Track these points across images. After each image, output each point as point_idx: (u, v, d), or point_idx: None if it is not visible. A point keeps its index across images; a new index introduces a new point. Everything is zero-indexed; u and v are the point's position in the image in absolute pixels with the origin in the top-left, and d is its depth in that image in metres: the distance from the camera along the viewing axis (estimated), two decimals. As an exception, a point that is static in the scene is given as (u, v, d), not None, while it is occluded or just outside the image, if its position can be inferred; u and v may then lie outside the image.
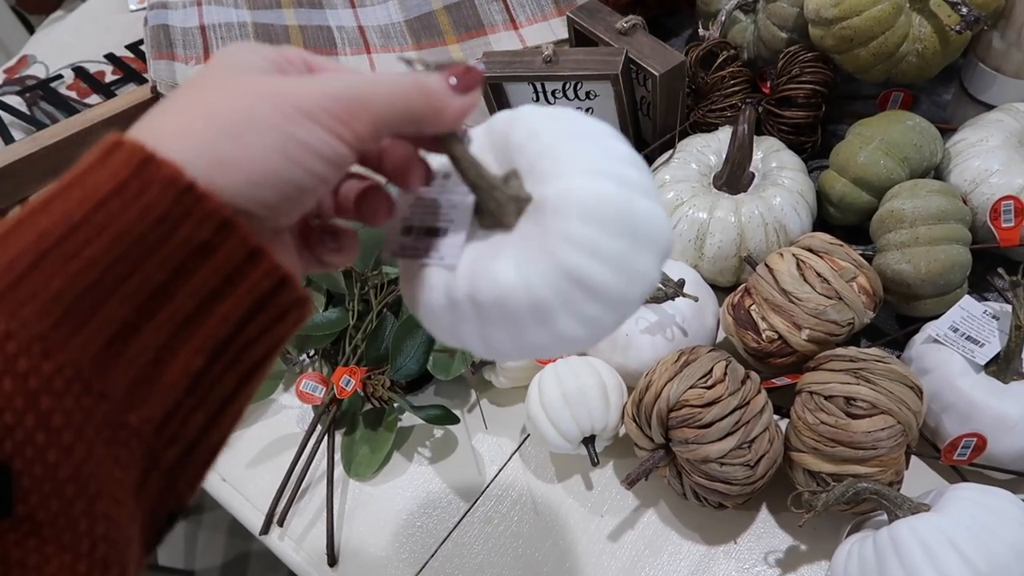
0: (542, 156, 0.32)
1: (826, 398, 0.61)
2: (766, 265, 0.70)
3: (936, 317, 0.71)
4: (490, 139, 0.34)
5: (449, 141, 0.32)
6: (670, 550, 0.69)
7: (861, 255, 0.76)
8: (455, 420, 0.77)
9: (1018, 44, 0.81)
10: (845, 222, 0.84)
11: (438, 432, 0.81)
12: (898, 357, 0.74)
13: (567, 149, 0.32)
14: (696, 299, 0.71)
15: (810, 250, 0.70)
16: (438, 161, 0.35)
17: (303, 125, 0.26)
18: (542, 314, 0.30)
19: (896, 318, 0.80)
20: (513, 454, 0.78)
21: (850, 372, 0.61)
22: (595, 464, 0.71)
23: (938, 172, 0.83)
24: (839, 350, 0.64)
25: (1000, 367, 0.65)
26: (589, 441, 0.71)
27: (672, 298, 0.70)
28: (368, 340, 0.80)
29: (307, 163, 0.26)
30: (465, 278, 0.31)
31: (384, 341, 0.80)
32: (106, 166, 0.23)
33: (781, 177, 0.81)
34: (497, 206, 0.32)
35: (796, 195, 0.80)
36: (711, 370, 0.63)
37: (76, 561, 0.22)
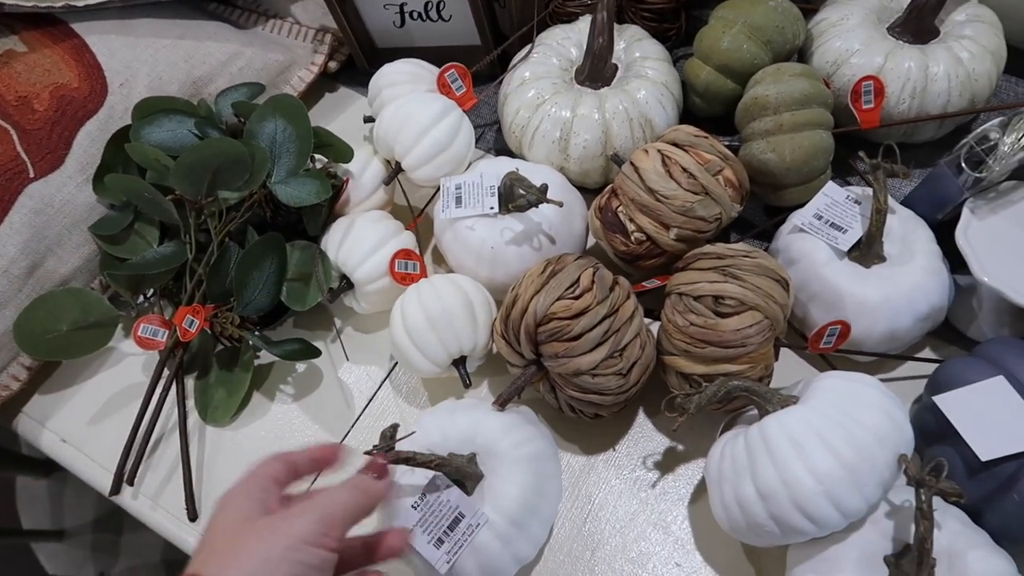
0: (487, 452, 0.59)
1: (695, 298, 0.59)
2: (631, 163, 0.67)
3: (802, 206, 0.70)
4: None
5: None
6: (551, 464, 0.67)
7: (728, 146, 0.74)
8: (316, 353, 0.72)
9: (875, -85, 0.78)
10: (711, 113, 0.81)
11: (300, 367, 0.75)
12: (766, 249, 0.73)
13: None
14: (561, 204, 0.67)
15: (675, 144, 0.67)
16: (421, 477, 0.58)
17: (306, 551, 0.43)
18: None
19: (764, 209, 0.79)
20: (382, 383, 0.73)
21: (718, 270, 0.59)
22: (467, 386, 0.67)
23: (801, 54, 0.81)
24: (707, 248, 0.62)
25: (862, 252, 0.65)
26: (460, 363, 0.67)
27: (536, 204, 0.66)
28: (210, 274, 0.72)
29: (310, 569, 0.43)
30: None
31: (229, 274, 0.73)
32: None
33: (645, 68, 0.77)
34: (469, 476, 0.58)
35: (661, 87, 0.76)
36: (578, 279, 0.60)
37: None
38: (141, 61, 0.81)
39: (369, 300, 0.74)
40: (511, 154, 0.81)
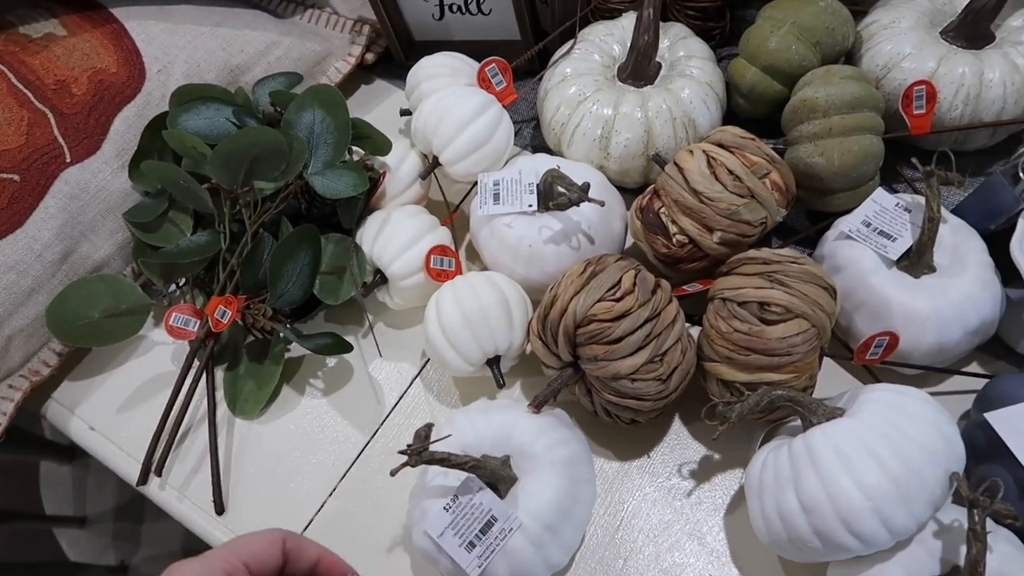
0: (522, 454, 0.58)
1: (739, 304, 0.58)
2: (675, 164, 0.65)
3: (848, 212, 0.68)
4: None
5: None
6: (583, 469, 0.65)
7: (774, 148, 0.72)
8: (348, 348, 0.71)
9: (931, -84, 0.76)
10: (756, 114, 0.79)
11: (331, 362, 0.74)
12: (810, 256, 0.71)
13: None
14: (603, 203, 0.65)
15: (721, 145, 0.65)
16: (453, 479, 0.57)
17: None
18: None
19: (807, 214, 0.77)
20: (413, 380, 0.72)
21: (763, 276, 0.58)
22: (501, 386, 0.66)
23: (850, 57, 0.79)
24: (752, 252, 0.60)
25: (912, 261, 0.63)
26: (494, 362, 0.66)
27: (576, 203, 0.65)
28: (244, 265, 0.71)
29: None
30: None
31: (262, 265, 0.72)
32: None
33: (689, 67, 0.75)
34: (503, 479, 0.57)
35: (705, 86, 0.74)
36: (619, 281, 0.58)
37: None
38: (179, 47, 0.81)
39: (403, 296, 0.73)
40: (549, 151, 0.80)
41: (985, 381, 0.61)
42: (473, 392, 0.71)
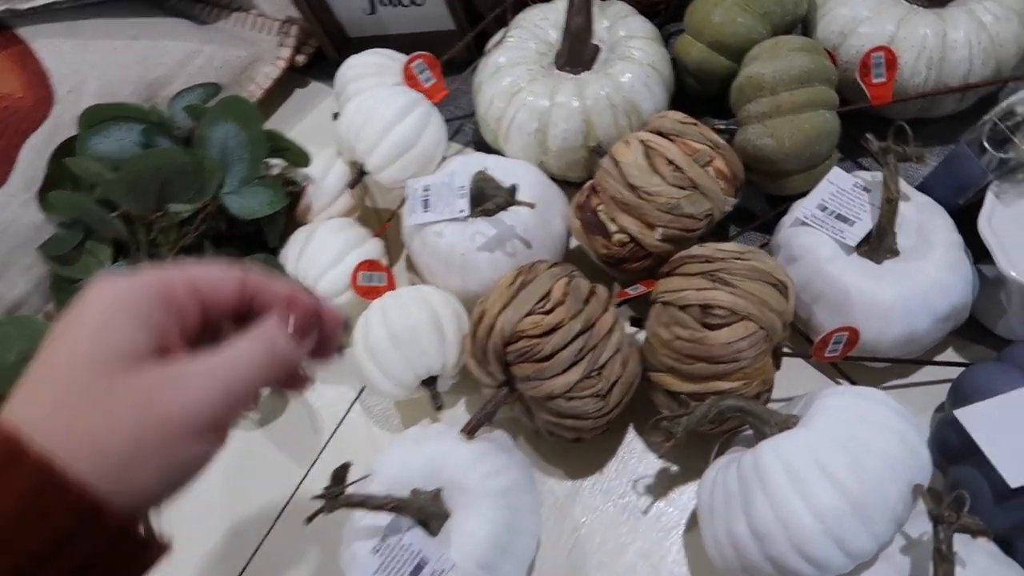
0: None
1: (680, 308, 0.53)
2: (611, 157, 0.60)
3: (806, 194, 0.63)
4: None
5: None
6: (539, 488, 0.60)
7: (725, 130, 0.67)
8: (280, 374, 0.66)
9: None
10: (707, 93, 0.73)
11: (263, 390, 0.69)
12: (767, 244, 0.66)
13: None
14: (533, 205, 0.60)
15: (660, 133, 0.60)
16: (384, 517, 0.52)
17: (192, 444, 0.30)
18: None
19: (767, 198, 0.72)
20: (352, 405, 0.68)
21: (706, 275, 0.53)
22: (439, 408, 0.62)
23: (806, 24, 0.73)
24: (694, 250, 0.55)
25: (872, 246, 0.57)
26: (430, 383, 0.61)
27: (504, 208, 0.60)
28: (166, 293, 0.67)
29: (196, 468, 0.31)
30: None
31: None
32: (10, 480, 0.26)
33: (630, 48, 0.70)
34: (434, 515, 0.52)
35: (647, 68, 0.69)
36: (549, 291, 0.54)
37: None
38: (91, 65, 0.76)
39: (336, 315, 0.68)
40: (489, 148, 0.75)
41: (961, 369, 0.56)
42: (415, 415, 0.66)
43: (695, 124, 0.60)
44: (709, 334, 0.51)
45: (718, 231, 0.70)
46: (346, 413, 0.67)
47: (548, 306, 0.53)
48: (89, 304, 0.30)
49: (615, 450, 0.62)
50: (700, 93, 0.73)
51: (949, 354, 0.61)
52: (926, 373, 0.61)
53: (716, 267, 0.52)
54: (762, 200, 0.71)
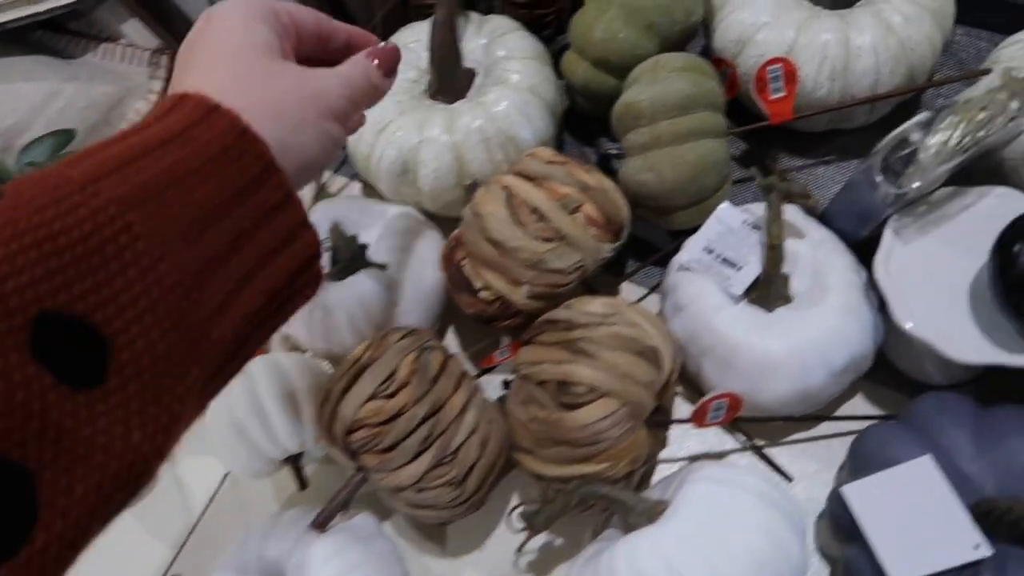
0: None
1: (537, 384, 0.47)
2: (472, 207, 0.54)
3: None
4: None
5: None
6: (413, 571, 0.55)
7: (617, 155, 0.60)
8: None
9: None
10: (600, 114, 0.67)
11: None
12: (659, 286, 0.60)
13: None
14: (384, 267, 0.55)
15: (524, 176, 0.54)
16: None
17: (331, 123, 0.33)
18: None
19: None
20: (224, 478, 0.63)
21: (565, 345, 0.47)
22: (303, 487, 0.56)
23: (705, 29, 0.66)
24: (557, 313, 0.50)
25: (761, 293, 0.52)
26: (294, 460, 0.56)
27: (353, 271, 0.54)
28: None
29: (328, 152, 0.33)
30: None
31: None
32: (211, 129, 0.28)
33: (507, 72, 0.63)
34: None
35: (525, 94, 0.62)
36: (395, 371, 0.48)
37: (155, 433, 0.23)
38: (-65, 116, 0.70)
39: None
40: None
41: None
42: (289, 489, 0.61)
43: (565, 163, 0.54)
44: (565, 415, 0.45)
45: (615, 265, 0.64)
46: (219, 486, 0.62)
47: (392, 388, 0.48)
48: (224, 14, 0.32)
49: (496, 523, 0.56)
50: (593, 113, 0.67)
51: (856, 402, 0.56)
52: (835, 424, 0.56)
53: (577, 335, 0.47)
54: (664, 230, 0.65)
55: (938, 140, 0.47)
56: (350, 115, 0.35)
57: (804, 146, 0.66)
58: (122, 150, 0.26)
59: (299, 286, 0.31)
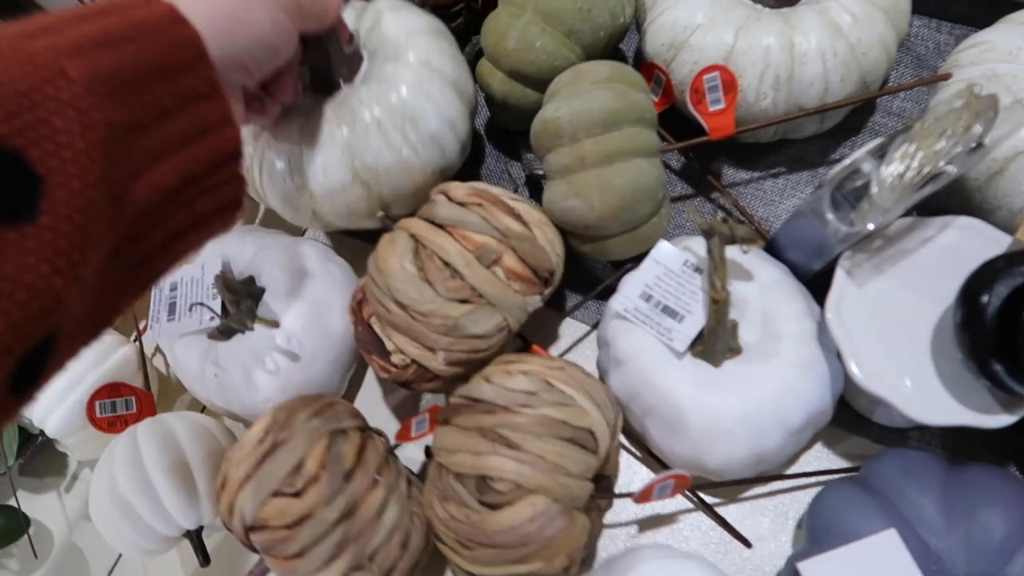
0: None
1: (456, 476, 0.41)
2: (375, 259, 0.47)
3: (642, 257, 0.52)
4: None
5: None
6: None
7: (543, 178, 0.53)
8: (22, 531, 0.54)
9: None
10: (521, 128, 0.60)
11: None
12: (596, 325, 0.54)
13: None
14: (276, 325, 0.47)
15: (433, 222, 0.47)
16: None
17: (281, 12, 0.37)
18: None
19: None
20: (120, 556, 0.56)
21: (484, 433, 0.41)
22: (205, 564, 0.50)
23: (638, 29, 0.59)
24: (476, 389, 0.43)
25: (707, 347, 0.46)
26: (194, 535, 0.50)
27: (241, 329, 0.47)
28: None
29: (283, 36, 0.37)
30: None
31: None
32: (150, 11, 0.29)
33: (403, 49, 0.52)
34: None
35: (427, 72, 0.51)
36: (302, 462, 0.41)
37: (68, 283, 0.23)
38: None
39: (84, 450, 0.55)
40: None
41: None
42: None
43: (480, 202, 0.47)
44: (488, 516, 0.40)
45: (553, 301, 0.58)
46: (115, 562, 0.55)
47: (299, 484, 0.41)
48: None
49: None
50: (515, 126, 0.60)
51: (816, 451, 0.51)
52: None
53: (498, 421, 0.41)
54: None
55: (893, 172, 0.42)
56: (297, 17, 0.38)
57: (749, 158, 0.60)
58: (59, 15, 0.27)
59: (217, 183, 0.31)
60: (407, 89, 0.51)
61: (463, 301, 0.44)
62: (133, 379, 0.55)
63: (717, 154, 0.60)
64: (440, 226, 0.46)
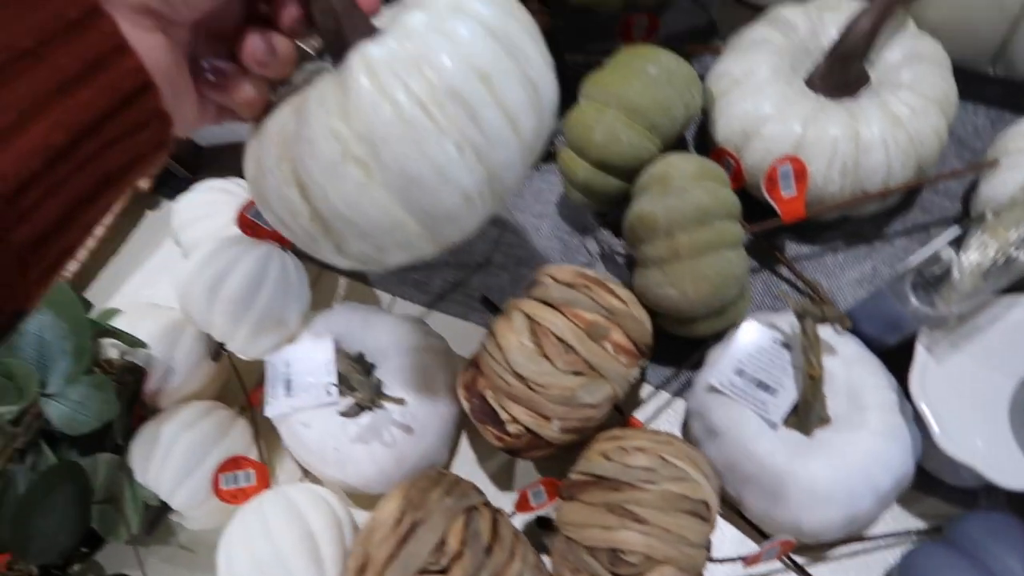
0: None
1: (587, 550, 0.44)
2: (492, 336, 0.51)
3: (719, 336, 0.56)
4: None
5: None
6: None
7: (625, 256, 0.58)
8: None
9: (777, -68, 0.61)
10: (601, 209, 0.65)
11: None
12: (681, 392, 0.58)
13: None
14: (402, 402, 0.51)
15: (545, 303, 0.51)
16: None
17: None
18: None
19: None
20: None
21: (612, 509, 0.44)
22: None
23: (706, 117, 0.64)
24: (599, 466, 0.47)
25: (800, 418, 0.50)
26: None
27: (369, 407, 0.51)
28: (-11, 519, 0.56)
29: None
30: None
31: (9, 510, 0.57)
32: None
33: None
34: None
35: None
36: (444, 540, 0.45)
37: None
38: None
39: (201, 522, 0.59)
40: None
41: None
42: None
43: (588, 284, 0.52)
44: (623, 586, 0.43)
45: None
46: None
47: (444, 562, 0.44)
48: None
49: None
50: (593, 208, 0.65)
51: (895, 513, 0.55)
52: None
53: (625, 497, 0.44)
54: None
55: (972, 260, 0.46)
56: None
57: (812, 234, 0.65)
58: None
59: (126, 129, 0.26)
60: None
61: (577, 373, 0.49)
62: (248, 452, 0.58)
63: (781, 229, 0.65)
64: (551, 305, 0.51)
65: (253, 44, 0.32)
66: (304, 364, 0.56)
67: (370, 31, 0.35)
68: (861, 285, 0.63)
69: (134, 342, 0.58)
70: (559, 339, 0.49)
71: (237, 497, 0.56)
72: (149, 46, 0.28)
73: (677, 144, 0.62)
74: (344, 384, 0.54)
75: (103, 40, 0.24)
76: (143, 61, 0.26)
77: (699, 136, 0.70)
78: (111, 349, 0.60)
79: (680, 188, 0.53)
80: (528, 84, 0.35)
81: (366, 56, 0.34)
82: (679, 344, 0.62)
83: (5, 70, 0.22)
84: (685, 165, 0.54)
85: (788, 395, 0.50)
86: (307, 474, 0.61)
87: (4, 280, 0.24)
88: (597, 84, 0.59)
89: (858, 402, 0.50)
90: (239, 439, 0.58)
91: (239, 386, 0.63)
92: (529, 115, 0.35)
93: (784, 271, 0.64)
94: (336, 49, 0.35)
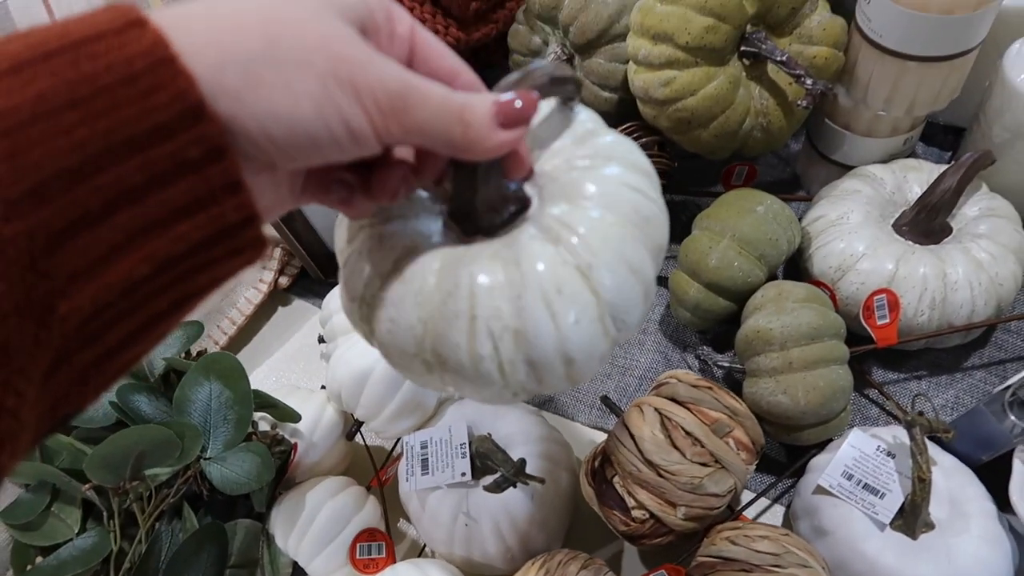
0: None
1: (720, 622, 0.48)
2: (625, 426, 0.57)
3: (822, 445, 0.61)
4: None
5: None
6: None
7: (729, 368, 0.65)
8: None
9: (865, 101, 0.72)
10: (703, 328, 0.72)
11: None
12: (784, 496, 0.63)
13: None
14: (543, 481, 0.57)
15: (674, 400, 0.57)
16: None
17: (348, 96, 0.25)
18: None
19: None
20: None
21: (744, 586, 0.49)
22: None
23: (800, 254, 0.72)
24: (725, 548, 0.52)
25: (907, 521, 0.55)
26: None
27: (511, 485, 0.56)
28: (137, 572, 0.61)
29: (332, 126, 0.25)
30: None
31: (159, 571, 0.61)
32: (123, 44, 0.21)
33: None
34: None
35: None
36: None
37: None
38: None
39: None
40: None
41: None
42: None
43: (710, 387, 0.58)
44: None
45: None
46: None
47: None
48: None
49: None
50: (696, 327, 0.72)
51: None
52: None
53: (754, 576, 0.49)
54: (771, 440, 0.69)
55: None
56: (385, 121, 0.26)
57: (897, 361, 0.71)
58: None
59: (219, 255, 0.24)
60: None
61: (704, 464, 0.54)
62: (378, 526, 0.63)
63: (871, 355, 0.71)
64: (679, 403, 0.57)
65: (395, 182, 0.30)
66: (440, 446, 0.62)
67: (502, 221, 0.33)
68: (944, 411, 0.68)
69: (292, 416, 0.65)
70: (687, 433, 0.55)
71: (369, 567, 0.60)
72: (260, 180, 0.26)
73: (774, 276, 0.70)
74: (481, 463, 0.60)
75: (220, 176, 0.23)
76: (253, 195, 0.24)
77: (788, 269, 0.78)
78: (261, 422, 0.67)
79: (792, 307, 0.60)
80: (656, 249, 0.35)
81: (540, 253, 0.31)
82: (774, 455, 0.67)
83: (110, 204, 0.21)
84: (795, 289, 0.62)
85: (895, 498, 0.55)
86: (423, 550, 0.66)
87: (62, 392, 0.22)
88: (711, 218, 0.68)
89: (959, 509, 0.55)
90: (371, 513, 0.63)
91: (365, 465, 0.68)
92: (651, 268, 0.34)
93: (873, 394, 0.69)
94: (462, 216, 0.33)
